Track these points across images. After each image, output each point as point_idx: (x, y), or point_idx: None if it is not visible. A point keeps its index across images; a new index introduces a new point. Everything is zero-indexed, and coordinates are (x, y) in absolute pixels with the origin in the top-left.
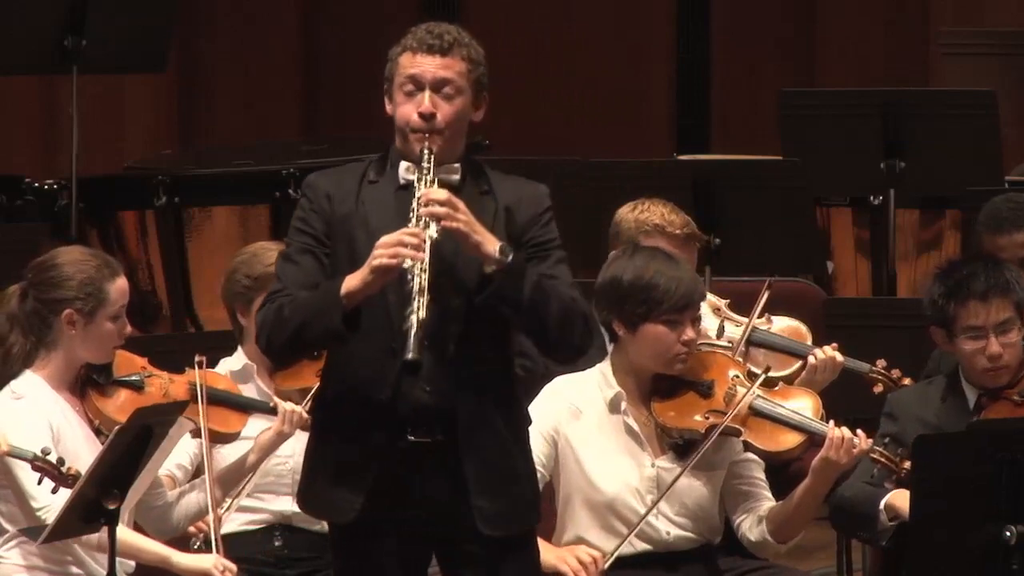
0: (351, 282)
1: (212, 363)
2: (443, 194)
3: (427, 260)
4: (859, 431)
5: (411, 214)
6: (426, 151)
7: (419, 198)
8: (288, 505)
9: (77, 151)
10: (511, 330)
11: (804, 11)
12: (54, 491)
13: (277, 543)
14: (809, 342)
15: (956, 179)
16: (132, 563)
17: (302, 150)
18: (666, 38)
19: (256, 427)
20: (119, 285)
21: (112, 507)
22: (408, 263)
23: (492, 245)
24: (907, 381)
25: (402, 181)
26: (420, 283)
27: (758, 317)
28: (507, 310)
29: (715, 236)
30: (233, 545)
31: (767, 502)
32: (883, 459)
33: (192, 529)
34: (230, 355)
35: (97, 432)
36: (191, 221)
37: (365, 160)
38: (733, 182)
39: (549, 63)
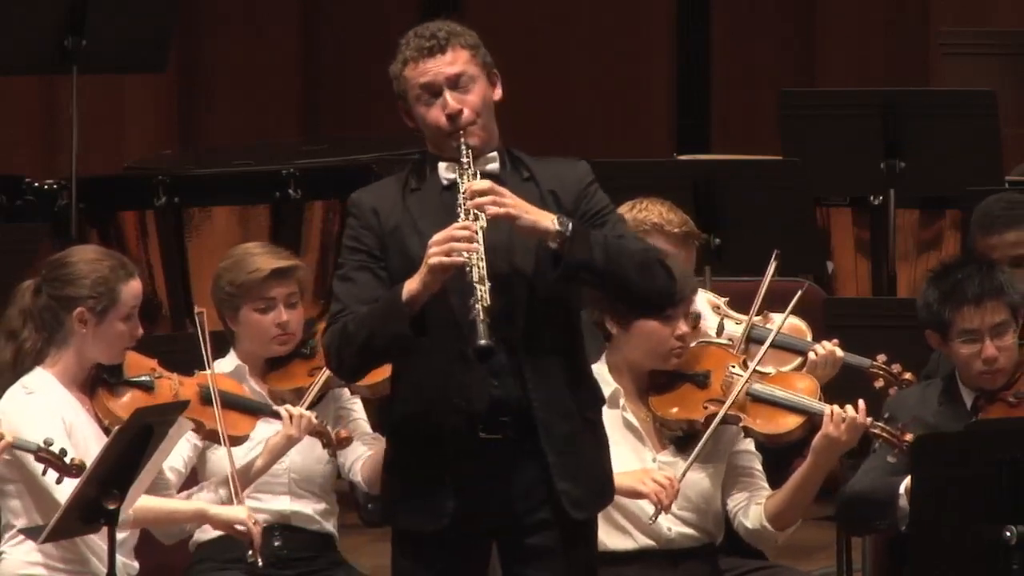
0: (411, 285)
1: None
2: (485, 184)
3: (482, 251)
4: (860, 403)
5: (459, 209)
6: (463, 146)
7: (463, 192)
8: (286, 504)
9: (77, 151)
10: (573, 312)
11: (804, 11)
12: (58, 481)
13: (276, 543)
14: (809, 339)
15: (956, 179)
16: (135, 564)
17: (302, 150)
18: (666, 38)
19: (262, 432)
20: (132, 287)
21: (112, 507)
22: (464, 256)
23: (547, 219)
24: (908, 376)
25: (444, 182)
26: (479, 272)
27: (757, 315)
28: (585, 276)
29: (715, 236)
30: (232, 545)
31: (764, 491)
32: (884, 433)
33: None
34: (223, 357)
35: (107, 431)
36: (191, 221)
37: (404, 169)
38: (733, 182)
39: (549, 63)
